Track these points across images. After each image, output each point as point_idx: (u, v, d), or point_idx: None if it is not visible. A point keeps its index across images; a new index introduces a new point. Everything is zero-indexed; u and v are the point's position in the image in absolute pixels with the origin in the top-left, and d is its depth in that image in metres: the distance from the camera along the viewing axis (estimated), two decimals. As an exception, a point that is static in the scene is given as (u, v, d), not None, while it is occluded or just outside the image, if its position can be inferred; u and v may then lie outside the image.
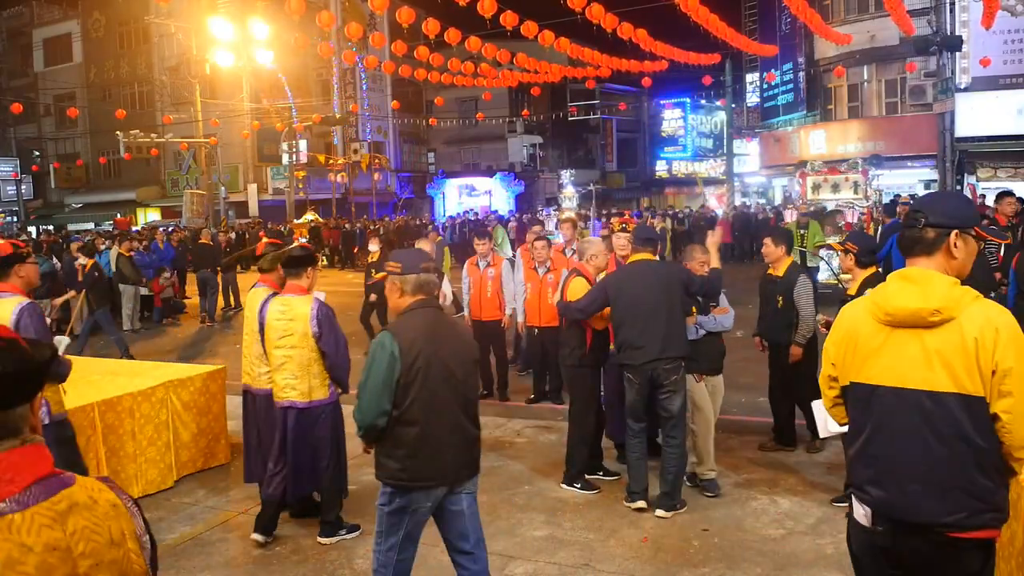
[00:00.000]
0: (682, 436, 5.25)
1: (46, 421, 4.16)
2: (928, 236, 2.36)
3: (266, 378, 5.02)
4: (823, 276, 11.86)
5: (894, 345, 2.35)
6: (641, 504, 5.25)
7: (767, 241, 6.47)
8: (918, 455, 2.31)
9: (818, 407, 5.33)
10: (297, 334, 4.77)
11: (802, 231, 12.74)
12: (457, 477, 3.37)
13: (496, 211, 33.79)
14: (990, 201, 12.60)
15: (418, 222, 30.18)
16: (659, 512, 5.17)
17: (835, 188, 12.93)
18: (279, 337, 4.85)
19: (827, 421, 5.20)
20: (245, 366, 5.34)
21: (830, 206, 13.45)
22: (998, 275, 7.20)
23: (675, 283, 5.25)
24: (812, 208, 12.32)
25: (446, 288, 8.51)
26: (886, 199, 16.17)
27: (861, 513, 2.45)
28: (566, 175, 29.51)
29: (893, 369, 2.35)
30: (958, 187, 21.39)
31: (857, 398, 2.46)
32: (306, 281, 4.90)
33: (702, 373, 5.67)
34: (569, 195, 19.46)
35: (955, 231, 2.34)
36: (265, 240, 5.87)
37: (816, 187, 12.94)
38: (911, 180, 24.66)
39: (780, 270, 6.29)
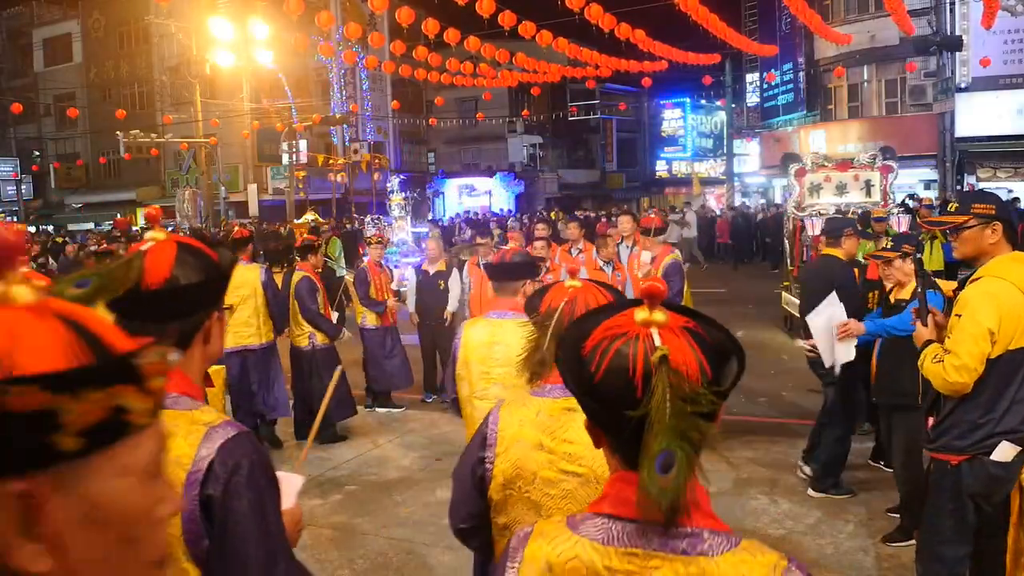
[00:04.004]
0: None
1: None
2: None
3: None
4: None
5: None
6: None
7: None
8: None
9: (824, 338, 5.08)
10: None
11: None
12: None
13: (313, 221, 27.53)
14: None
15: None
16: None
17: (840, 189, 10.89)
18: None
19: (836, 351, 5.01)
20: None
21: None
22: None
23: None
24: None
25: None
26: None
27: (1008, 451, 3.06)
28: (394, 181, 23.67)
29: None
30: (958, 187, 21.37)
31: (1017, 360, 3.04)
32: (375, 252, 8.03)
33: None
34: (398, 201, 18.05)
35: None
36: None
37: (815, 188, 10.86)
38: (911, 180, 24.63)
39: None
